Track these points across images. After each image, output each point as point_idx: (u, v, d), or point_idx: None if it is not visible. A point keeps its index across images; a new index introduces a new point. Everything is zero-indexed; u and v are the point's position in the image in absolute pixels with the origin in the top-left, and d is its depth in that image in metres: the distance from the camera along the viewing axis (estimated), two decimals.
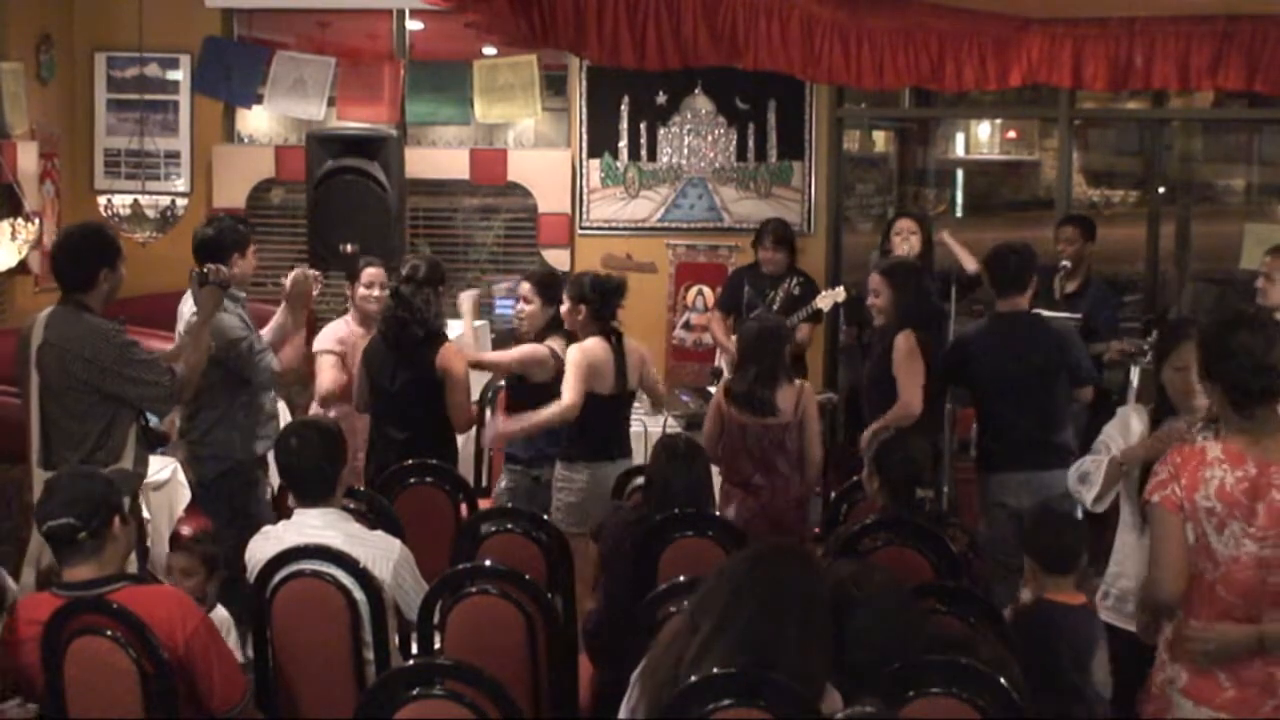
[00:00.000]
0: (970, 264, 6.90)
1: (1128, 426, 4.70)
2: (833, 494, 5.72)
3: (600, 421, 5.73)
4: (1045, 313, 6.21)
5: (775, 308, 7.39)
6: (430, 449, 5.64)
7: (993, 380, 5.81)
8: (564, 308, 5.89)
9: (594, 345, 5.76)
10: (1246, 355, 3.36)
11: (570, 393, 5.63)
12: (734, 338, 6.47)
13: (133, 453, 4.83)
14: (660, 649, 3.19)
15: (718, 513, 5.31)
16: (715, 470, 5.51)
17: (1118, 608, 4.56)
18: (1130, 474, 4.64)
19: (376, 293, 6.33)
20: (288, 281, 5.98)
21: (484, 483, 7.11)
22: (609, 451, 5.77)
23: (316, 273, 6.12)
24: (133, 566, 4.28)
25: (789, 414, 5.57)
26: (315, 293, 6.11)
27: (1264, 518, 3.34)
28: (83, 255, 4.82)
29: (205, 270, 5.13)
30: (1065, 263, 7.13)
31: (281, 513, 4.90)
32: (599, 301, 5.76)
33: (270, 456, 5.21)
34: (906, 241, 7.15)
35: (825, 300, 7.33)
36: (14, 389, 5.62)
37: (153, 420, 5.18)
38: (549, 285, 6.10)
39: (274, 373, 5.60)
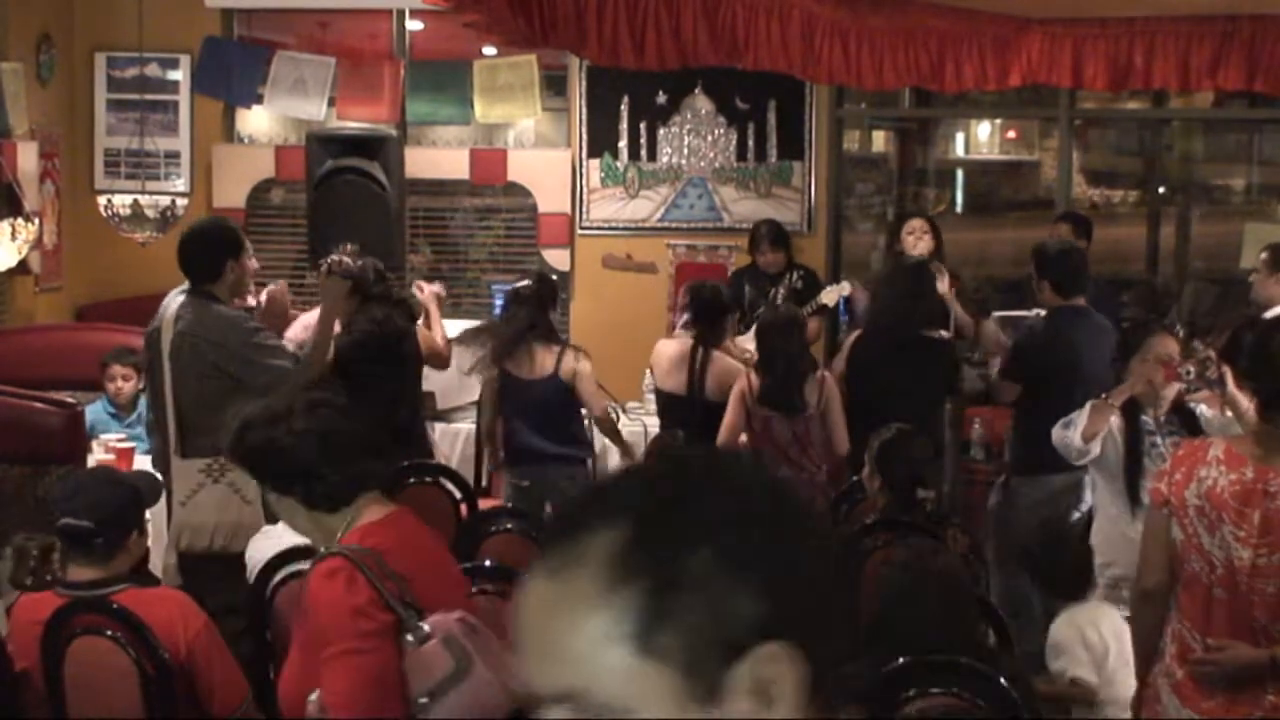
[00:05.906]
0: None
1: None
2: (833, 493, 5.72)
3: (670, 419, 5.94)
4: (1043, 312, 6.21)
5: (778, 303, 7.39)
6: None
7: (1068, 376, 5.59)
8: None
9: (666, 341, 6.03)
10: None
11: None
12: (738, 340, 6.46)
13: None
14: None
15: None
16: None
17: (1108, 595, 4.52)
18: (1106, 458, 4.68)
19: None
20: (263, 298, 5.87)
21: (484, 483, 7.11)
22: None
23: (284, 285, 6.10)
24: None
25: (813, 406, 5.57)
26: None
27: (1258, 525, 3.28)
28: (208, 248, 4.90)
29: (329, 261, 5.25)
30: None
31: None
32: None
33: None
34: (921, 241, 7.11)
35: (830, 295, 7.32)
36: (13, 389, 5.63)
37: None
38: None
39: None
